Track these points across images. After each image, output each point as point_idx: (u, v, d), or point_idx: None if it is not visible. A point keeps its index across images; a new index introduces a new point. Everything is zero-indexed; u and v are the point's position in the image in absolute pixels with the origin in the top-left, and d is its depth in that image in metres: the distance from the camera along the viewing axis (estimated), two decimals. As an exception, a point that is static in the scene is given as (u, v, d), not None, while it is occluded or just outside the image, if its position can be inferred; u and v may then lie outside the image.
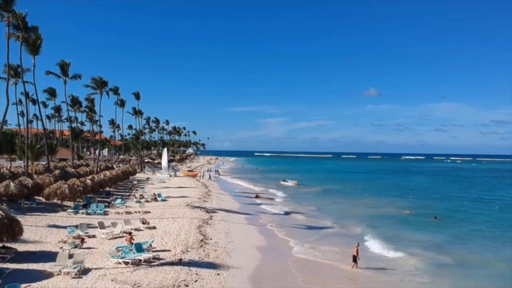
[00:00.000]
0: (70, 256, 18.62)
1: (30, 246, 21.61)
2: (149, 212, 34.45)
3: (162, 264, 18.86)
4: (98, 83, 60.36)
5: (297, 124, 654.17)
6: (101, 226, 25.94)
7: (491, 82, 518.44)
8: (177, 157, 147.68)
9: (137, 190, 51.18)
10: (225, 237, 26.35)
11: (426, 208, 44.97)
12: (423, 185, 79.44)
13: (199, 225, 29.21)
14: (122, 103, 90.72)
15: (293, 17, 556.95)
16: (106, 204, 36.66)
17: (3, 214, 18.78)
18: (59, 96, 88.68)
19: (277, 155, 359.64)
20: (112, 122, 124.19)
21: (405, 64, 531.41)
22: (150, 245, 21.57)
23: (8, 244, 19.96)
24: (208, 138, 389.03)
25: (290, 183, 73.67)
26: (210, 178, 77.88)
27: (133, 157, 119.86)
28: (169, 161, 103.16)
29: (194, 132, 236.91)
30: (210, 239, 25.28)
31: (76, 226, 25.85)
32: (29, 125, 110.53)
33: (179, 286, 16.28)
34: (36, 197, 35.49)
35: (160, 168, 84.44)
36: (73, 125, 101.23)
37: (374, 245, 26.31)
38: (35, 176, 43.38)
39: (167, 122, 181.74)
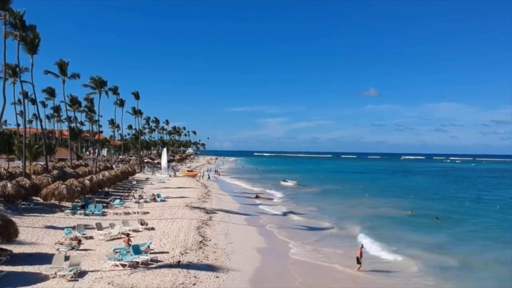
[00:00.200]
0: (66, 258, 18.25)
1: (26, 247, 21.26)
2: (148, 212, 34.11)
3: (160, 267, 18.51)
4: (97, 83, 60.00)
5: (297, 124, 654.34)
6: (99, 227, 25.59)
7: (491, 82, 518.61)
8: (177, 157, 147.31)
9: (136, 190, 50.82)
10: (225, 239, 26.01)
11: (427, 209, 44.65)
12: (424, 185, 79.12)
13: (198, 226, 28.87)
14: (121, 103, 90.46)
15: (293, 17, 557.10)
16: (105, 204, 36.29)
17: (-2, 215, 18.45)
18: (58, 96, 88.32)
19: (276, 155, 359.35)
20: (112, 122, 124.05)
21: (405, 64, 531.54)
22: (148, 246, 21.25)
23: (3, 246, 19.63)
24: (208, 138, 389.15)
25: (290, 183, 73.33)
26: (209, 178, 77.54)
27: (132, 157, 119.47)
28: (169, 161, 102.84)
29: (194, 132, 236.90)
30: (209, 240, 24.94)
31: (74, 227, 25.50)
32: (28, 125, 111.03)
33: (177, 289, 15.96)
34: (34, 197, 35.18)
35: (160, 168, 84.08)
36: (73, 125, 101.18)
37: (376, 247, 25.94)
38: (33, 177, 43.07)
39: (167, 122, 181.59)
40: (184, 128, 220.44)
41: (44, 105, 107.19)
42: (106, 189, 46.96)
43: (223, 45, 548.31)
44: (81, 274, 17.07)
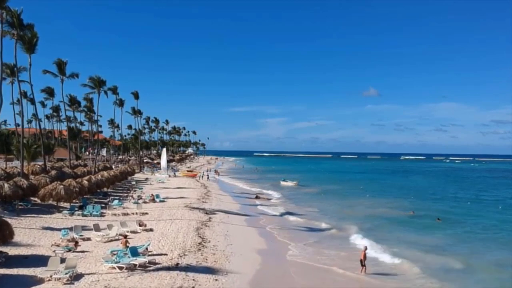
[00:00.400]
0: (63, 260, 17.90)
1: (22, 249, 20.88)
2: (146, 213, 33.73)
3: (158, 269, 18.11)
4: (96, 82, 59.55)
5: (297, 124, 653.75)
6: (96, 228, 25.22)
7: (491, 82, 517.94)
8: (177, 157, 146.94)
9: (135, 190, 50.47)
10: (224, 240, 25.63)
11: (429, 209, 44.28)
12: (424, 185, 78.75)
13: (198, 227, 28.49)
14: (121, 103, 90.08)
15: (293, 17, 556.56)
16: (103, 205, 35.92)
17: (-8, 217, 18.07)
18: (58, 96, 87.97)
19: (276, 155, 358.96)
20: (112, 122, 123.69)
21: (405, 64, 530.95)
22: (146, 248, 20.87)
23: (-1, 248, 19.27)
24: (208, 138, 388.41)
25: (290, 183, 72.94)
26: (208, 178, 77.09)
27: (132, 157, 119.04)
28: (169, 161, 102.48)
29: (194, 132, 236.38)
30: (209, 242, 24.56)
31: (71, 229, 25.10)
32: (28, 125, 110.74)
33: (175, 292, 15.60)
34: (32, 198, 34.84)
35: (159, 169, 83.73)
36: (72, 125, 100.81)
37: (377, 249, 25.45)
38: (31, 177, 42.67)
39: (167, 122, 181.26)
40: (184, 128, 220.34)
41: (44, 105, 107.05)
42: (105, 189, 46.60)
43: (223, 45, 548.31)
44: (77, 277, 16.70)
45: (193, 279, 17.17)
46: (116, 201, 38.46)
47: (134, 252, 19.15)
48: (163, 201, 41.29)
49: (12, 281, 16.17)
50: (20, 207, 31.36)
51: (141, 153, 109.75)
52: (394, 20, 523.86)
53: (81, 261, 18.96)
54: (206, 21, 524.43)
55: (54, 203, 33.94)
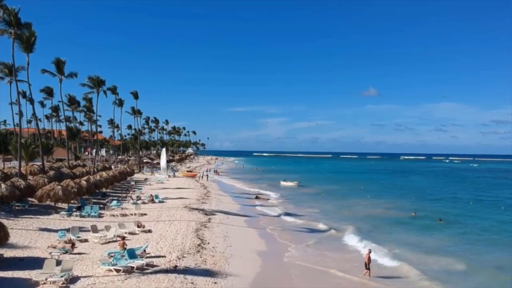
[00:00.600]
0: (58, 263, 17.45)
1: (18, 251, 20.49)
2: (145, 214, 33.35)
3: (155, 272, 17.71)
4: (95, 82, 59.16)
5: (297, 124, 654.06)
6: (94, 229, 24.82)
7: (491, 82, 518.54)
8: (177, 157, 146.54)
9: (134, 191, 50.08)
10: (224, 241, 25.24)
11: (430, 210, 43.93)
12: (425, 185, 78.39)
13: (197, 228, 28.10)
14: (120, 103, 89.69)
15: (293, 17, 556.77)
16: (101, 206, 35.54)
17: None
18: (57, 96, 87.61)
19: (276, 155, 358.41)
20: (111, 122, 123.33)
21: (405, 64, 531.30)
22: (144, 250, 20.46)
23: (-6, 250, 18.90)
24: (208, 138, 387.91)
25: (290, 183, 72.48)
26: (207, 178, 76.61)
27: (131, 157, 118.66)
28: (169, 161, 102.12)
29: (194, 132, 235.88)
30: (208, 243, 24.17)
31: (68, 230, 24.69)
32: (28, 125, 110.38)
33: (173, 296, 15.22)
34: (29, 198, 34.47)
35: (159, 169, 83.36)
36: (72, 125, 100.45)
37: (379, 251, 25.02)
38: (29, 177, 42.32)
39: (167, 122, 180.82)
40: (184, 128, 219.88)
41: (43, 105, 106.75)
42: (104, 190, 46.21)
43: (223, 45, 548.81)
44: (73, 280, 16.32)
45: (192, 282, 16.80)
46: (114, 202, 38.06)
47: (132, 254, 18.76)
48: (162, 202, 40.92)
49: (7, 284, 15.79)
50: (17, 207, 31.00)
51: (140, 153, 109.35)
52: (394, 20, 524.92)
53: (78, 264, 18.58)
54: (206, 21, 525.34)
55: (52, 203, 33.59)
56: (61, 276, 16.03)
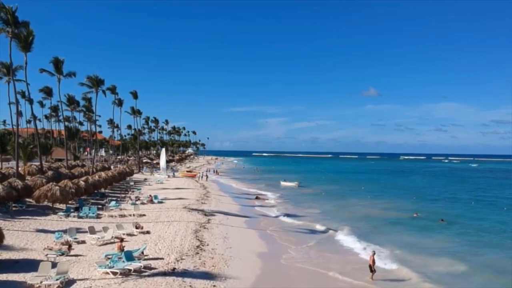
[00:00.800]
0: (54, 265, 17.11)
1: (13, 253, 20.11)
2: (144, 215, 32.97)
3: (153, 275, 17.32)
4: (94, 82, 58.75)
5: (297, 124, 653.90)
6: (92, 231, 24.42)
7: (491, 82, 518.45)
8: (177, 157, 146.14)
9: (133, 191, 49.67)
10: (223, 243, 24.85)
11: (432, 210, 43.59)
12: (425, 185, 78.04)
13: (196, 230, 27.72)
14: (120, 103, 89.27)
15: (293, 17, 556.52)
16: (100, 206, 35.16)
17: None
18: (56, 95, 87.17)
19: (276, 155, 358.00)
20: (111, 122, 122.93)
21: (405, 64, 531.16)
22: (142, 252, 20.09)
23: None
24: (208, 138, 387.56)
25: (290, 184, 72.02)
26: (207, 178, 76.12)
27: (131, 157, 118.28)
28: (168, 161, 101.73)
29: (194, 132, 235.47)
30: (207, 245, 23.78)
31: (65, 231, 24.34)
32: (27, 125, 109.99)
33: (171, 300, 14.84)
34: (27, 199, 34.11)
35: (159, 169, 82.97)
36: (71, 124, 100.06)
37: (381, 252, 24.56)
38: (28, 177, 41.96)
39: (166, 122, 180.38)
40: (184, 128, 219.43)
41: (42, 104, 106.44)
42: (103, 190, 45.82)
43: (223, 45, 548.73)
44: (68, 283, 15.97)
45: (190, 285, 16.42)
46: (113, 202, 37.69)
47: (129, 256, 18.39)
48: (161, 202, 40.54)
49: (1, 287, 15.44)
50: (14, 208, 30.64)
51: (140, 153, 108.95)
52: (394, 20, 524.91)
53: (74, 266, 18.23)
54: (206, 21, 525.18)
55: (50, 204, 33.18)
56: (57, 279, 15.70)
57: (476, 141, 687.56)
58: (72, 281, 16.19)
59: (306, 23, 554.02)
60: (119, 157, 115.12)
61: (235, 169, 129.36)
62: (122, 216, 32.30)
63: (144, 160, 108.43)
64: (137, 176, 71.15)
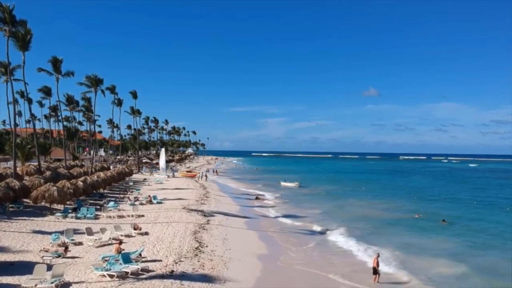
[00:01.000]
0: (49, 267, 16.72)
1: (9, 255, 19.74)
2: (142, 216, 32.58)
3: (151, 278, 16.93)
4: (93, 81, 58.37)
5: (297, 124, 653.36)
6: (89, 232, 24.05)
7: (491, 82, 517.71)
8: (176, 157, 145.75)
9: (132, 192, 49.26)
10: (223, 244, 24.47)
11: (433, 211, 43.24)
12: (426, 186, 77.71)
13: (195, 231, 27.34)
14: (119, 102, 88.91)
15: (293, 17, 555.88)
16: (98, 207, 34.79)
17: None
18: (55, 95, 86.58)
19: (276, 155, 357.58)
20: (111, 122, 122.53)
21: (405, 64, 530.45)
22: (140, 254, 19.71)
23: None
24: (208, 138, 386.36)
25: (291, 184, 71.59)
26: (206, 179, 75.64)
27: (131, 158, 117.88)
28: (168, 161, 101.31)
29: (194, 132, 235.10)
30: (206, 246, 23.40)
31: (62, 232, 23.96)
32: (27, 125, 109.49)
33: (169, 304, 14.46)
34: (25, 200, 33.76)
35: (158, 169, 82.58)
36: (71, 124, 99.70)
37: (381, 254, 24.26)
38: (26, 178, 41.57)
39: (166, 122, 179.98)
40: (184, 128, 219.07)
41: (41, 104, 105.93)
42: (101, 190, 45.45)
43: (223, 45, 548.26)
44: (64, 286, 15.59)
45: (189, 289, 16.06)
46: (111, 203, 37.29)
47: (126, 258, 18.01)
48: (160, 203, 40.16)
49: (-6, 291, 15.07)
50: (11, 209, 30.30)
51: (140, 153, 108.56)
52: (394, 20, 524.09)
53: (70, 268, 17.86)
54: (206, 21, 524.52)
55: (47, 205, 32.84)
56: (52, 282, 15.34)
57: (476, 141, 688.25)
58: (68, 284, 15.82)
59: (306, 23, 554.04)
60: (118, 157, 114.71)
61: (235, 169, 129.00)
62: (120, 217, 31.91)
63: (143, 160, 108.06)
64: (136, 176, 70.79)
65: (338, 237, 29.56)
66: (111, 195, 45.50)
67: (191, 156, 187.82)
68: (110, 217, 31.71)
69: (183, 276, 17.37)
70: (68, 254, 20.21)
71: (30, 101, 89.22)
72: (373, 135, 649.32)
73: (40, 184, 35.62)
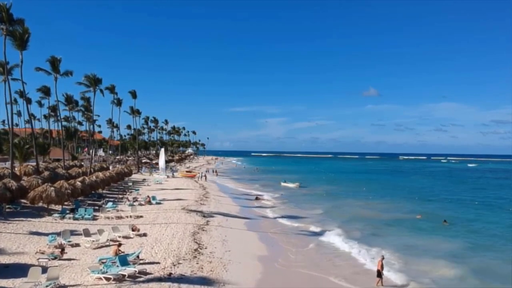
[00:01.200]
0: (45, 270, 16.34)
1: (4, 257, 19.37)
2: (141, 216, 32.23)
3: (148, 280, 16.57)
4: (92, 80, 58.00)
5: (297, 124, 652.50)
6: (86, 233, 23.68)
7: (491, 82, 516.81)
8: (176, 157, 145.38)
9: (131, 192, 48.89)
10: (222, 246, 24.11)
11: (434, 211, 42.91)
12: (426, 186, 77.37)
13: (194, 232, 26.98)
14: (118, 102, 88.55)
15: (293, 17, 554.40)
16: (96, 208, 34.42)
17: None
18: (54, 95, 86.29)
19: (275, 155, 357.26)
20: (110, 122, 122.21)
21: (405, 64, 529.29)
22: (137, 256, 19.33)
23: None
24: (208, 138, 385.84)
25: (291, 185, 71.19)
26: (206, 179, 75.22)
27: (130, 158, 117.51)
28: (168, 161, 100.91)
29: (194, 132, 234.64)
30: (205, 248, 23.03)
31: (59, 234, 23.60)
32: (26, 124, 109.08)
33: (167, 308, 14.10)
34: (22, 200, 33.39)
35: (158, 169, 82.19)
36: (70, 124, 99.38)
37: (387, 256, 23.78)
38: (24, 178, 41.19)
39: (166, 122, 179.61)
40: (184, 128, 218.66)
41: (41, 104, 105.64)
42: (100, 191, 45.09)
43: (223, 45, 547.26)
44: (59, 289, 15.23)
45: (187, 292, 15.70)
46: (110, 204, 36.94)
47: (124, 261, 17.65)
48: (159, 203, 39.80)
49: (-12, 295, 14.73)
50: (8, 210, 29.93)
51: (139, 153, 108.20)
52: (394, 20, 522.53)
53: (66, 271, 17.49)
54: (206, 21, 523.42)
55: (45, 205, 32.47)
56: (47, 285, 15.00)
57: (476, 141, 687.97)
58: (63, 287, 15.45)
59: (306, 23, 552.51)
60: (118, 157, 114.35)
61: (235, 169, 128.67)
62: (119, 217, 31.56)
63: (143, 160, 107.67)
64: (135, 177, 70.41)
65: (338, 238, 29.11)
66: (110, 195, 45.15)
67: (191, 156, 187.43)
68: (108, 218, 31.35)
69: (181, 279, 17.00)
70: (65, 256, 19.83)
71: (29, 101, 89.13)
72: (373, 135, 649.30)
73: (38, 184, 35.22)
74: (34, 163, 49.30)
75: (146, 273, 17.31)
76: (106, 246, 22.26)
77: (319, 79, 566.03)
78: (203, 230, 28.10)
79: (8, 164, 54.91)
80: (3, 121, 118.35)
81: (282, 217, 38.12)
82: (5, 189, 29.77)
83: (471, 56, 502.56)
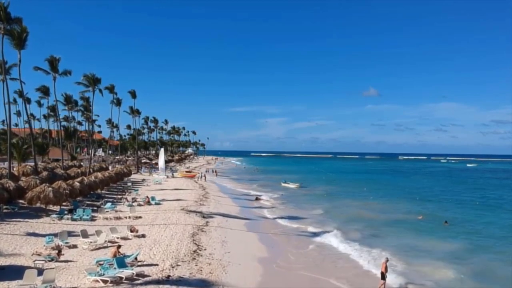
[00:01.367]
0: (41, 272, 16.06)
1: (0, 259, 19.08)
2: (140, 217, 31.93)
3: (146, 283, 16.28)
4: (91, 80, 57.69)
5: (297, 124, 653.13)
6: (84, 234, 23.40)
7: (491, 82, 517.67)
8: (176, 157, 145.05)
9: (130, 192, 48.57)
10: (222, 247, 23.82)
11: (435, 211, 42.62)
12: (427, 186, 77.09)
13: (193, 233, 26.69)
14: (118, 102, 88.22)
15: (293, 17, 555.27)
16: (94, 208, 34.12)
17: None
18: (53, 95, 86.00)
19: (275, 155, 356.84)
20: (110, 122, 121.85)
21: (405, 64, 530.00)
22: (135, 258, 19.04)
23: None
24: (208, 138, 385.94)
25: (291, 185, 70.85)
26: (205, 179, 74.88)
27: (130, 158, 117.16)
28: (168, 161, 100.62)
29: (194, 132, 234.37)
30: (205, 249, 22.74)
31: (56, 235, 23.30)
32: (25, 124, 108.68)
33: (165, 311, 13.82)
34: (20, 201, 33.11)
35: (158, 169, 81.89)
36: (69, 124, 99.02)
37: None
38: (22, 178, 40.90)
39: (166, 122, 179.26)
40: (184, 128, 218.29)
41: (40, 104, 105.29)
42: (99, 191, 44.78)
43: (223, 45, 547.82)
44: (55, 292, 14.93)
45: (185, 295, 15.42)
46: (109, 204, 36.63)
47: (121, 263, 17.36)
48: (158, 204, 39.51)
49: (-17, 298, 14.44)
50: (5, 211, 29.63)
51: (139, 153, 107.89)
52: (394, 20, 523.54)
53: (63, 273, 17.21)
54: (206, 21, 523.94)
55: (43, 206, 32.16)
56: (42, 288, 14.67)
57: (476, 141, 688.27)
58: (59, 290, 15.18)
59: (306, 23, 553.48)
60: (117, 157, 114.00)
61: (234, 169, 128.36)
62: (117, 218, 31.27)
63: (143, 160, 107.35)
64: (135, 177, 70.11)
65: (339, 240, 28.80)
66: (109, 195, 44.85)
67: (191, 156, 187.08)
68: (107, 218, 31.04)
69: (179, 281, 16.72)
70: (62, 258, 19.55)
71: (28, 100, 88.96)
72: (373, 135, 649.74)
73: (36, 184, 34.95)
74: (32, 163, 49.04)
75: (144, 276, 17.03)
76: (104, 247, 21.96)
77: (319, 79, 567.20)
78: (203, 231, 27.81)
79: (7, 164, 54.71)
80: (3, 121, 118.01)
81: (282, 217, 37.82)
82: (2, 190, 29.57)
83: (471, 56, 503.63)
